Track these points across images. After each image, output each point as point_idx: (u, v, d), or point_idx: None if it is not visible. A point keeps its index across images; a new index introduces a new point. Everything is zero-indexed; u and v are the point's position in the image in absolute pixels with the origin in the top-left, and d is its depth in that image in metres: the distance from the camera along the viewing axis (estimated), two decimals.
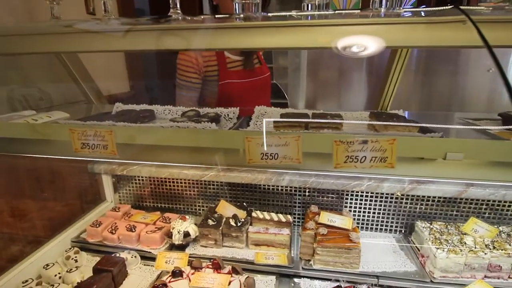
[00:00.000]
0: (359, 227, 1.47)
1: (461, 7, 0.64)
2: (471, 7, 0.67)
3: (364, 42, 0.79)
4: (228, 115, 0.95)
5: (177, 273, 1.12)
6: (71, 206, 1.61)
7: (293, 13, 0.96)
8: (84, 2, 1.80)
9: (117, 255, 1.28)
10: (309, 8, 0.91)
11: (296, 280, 1.21)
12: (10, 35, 1.00)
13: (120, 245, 1.37)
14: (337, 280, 1.13)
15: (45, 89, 1.32)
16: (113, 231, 1.39)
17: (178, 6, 1.02)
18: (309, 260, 1.25)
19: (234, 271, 1.13)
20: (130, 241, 1.37)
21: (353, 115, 0.89)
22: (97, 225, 1.43)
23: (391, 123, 0.72)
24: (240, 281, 1.08)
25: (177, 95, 1.51)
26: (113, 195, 1.72)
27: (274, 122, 0.76)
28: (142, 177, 1.65)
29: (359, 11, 0.93)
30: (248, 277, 1.09)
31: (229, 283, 1.08)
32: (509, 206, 1.32)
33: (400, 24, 0.78)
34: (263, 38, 0.88)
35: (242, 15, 0.93)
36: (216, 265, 1.16)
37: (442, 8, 0.71)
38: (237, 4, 0.94)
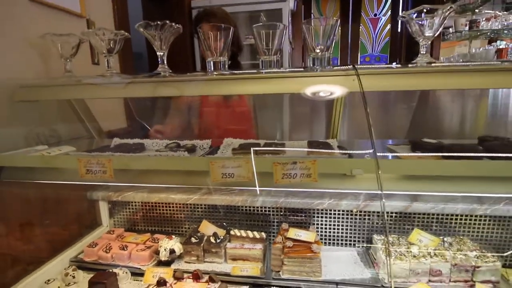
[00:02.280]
0: (326, 243, 1.66)
1: (356, 65, 0.93)
2: (362, 66, 0.96)
3: (311, 90, 1.07)
4: (202, 145, 1.21)
5: (161, 283, 1.30)
6: (71, 230, 1.79)
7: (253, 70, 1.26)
8: (90, 55, 2.15)
9: (110, 270, 1.45)
10: (263, 66, 1.21)
11: None
12: (33, 86, 1.28)
13: (113, 263, 1.54)
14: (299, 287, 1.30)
15: (55, 128, 1.58)
16: (107, 251, 1.57)
17: (165, 63, 1.32)
18: (279, 271, 1.43)
19: (211, 280, 1.31)
20: (122, 259, 1.54)
21: (294, 144, 1.15)
22: (93, 246, 1.61)
23: (313, 150, 0.97)
24: (215, 287, 1.25)
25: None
26: (108, 220, 1.91)
27: (233, 150, 1.01)
28: (135, 202, 1.85)
29: (302, 68, 1.22)
30: (221, 284, 1.27)
31: None
32: (451, 218, 1.52)
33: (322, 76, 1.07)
34: (228, 87, 1.17)
35: (215, 72, 1.23)
36: (196, 276, 1.33)
37: (342, 67, 1.00)
38: (208, 63, 1.24)
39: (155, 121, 1.73)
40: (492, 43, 4.71)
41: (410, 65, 1.08)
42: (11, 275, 1.41)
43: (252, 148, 0.96)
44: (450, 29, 4.59)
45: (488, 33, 4.38)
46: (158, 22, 1.26)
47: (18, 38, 1.55)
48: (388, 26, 5.86)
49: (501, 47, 4.46)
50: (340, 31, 6.14)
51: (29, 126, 1.54)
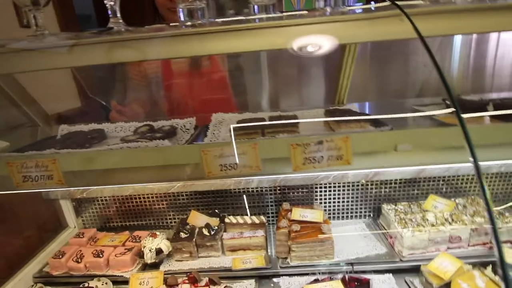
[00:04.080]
0: (331, 217, 1.52)
1: (397, 2, 0.67)
2: (408, 2, 0.70)
3: (314, 41, 0.80)
4: (184, 126, 0.92)
5: None
6: (29, 239, 1.47)
7: (242, 17, 0.94)
8: (16, 15, 1.65)
9: (86, 285, 1.20)
10: (256, 10, 0.90)
11: (275, 279, 1.22)
12: None
13: (88, 273, 1.29)
14: (314, 274, 1.15)
15: None
16: (79, 260, 1.30)
17: (118, 15, 0.95)
18: (286, 258, 1.27)
19: (212, 282, 1.11)
20: (99, 268, 1.29)
21: (309, 113, 0.90)
22: (60, 256, 1.33)
23: (344, 119, 0.73)
24: None
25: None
26: (75, 219, 1.61)
27: (234, 130, 0.75)
28: (105, 197, 1.55)
29: (306, 12, 0.93)
30: (226, 286, 1.08)
31: None
32: (462, 179, 1.42)
33: (344, 21, 0.79)
34: (216, 43, 0.86)
35: (189, 23, 0.90)
36: (192, 279, 1.13)
37: (379, 4, 0.73)
38: (181, 11, 0.90)
39: (114, 97, 1.36)
40: None
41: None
42: None
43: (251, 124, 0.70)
44: None
45: None
46: None
47: None
48: None
49: None
50: None
51: None
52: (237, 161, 0.67)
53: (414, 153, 0.79)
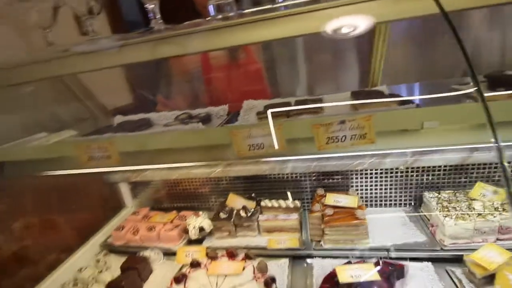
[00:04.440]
0: (369, 205, 1.49)
1: None
2: None
3: (341, 24, 0.81)
4: (218, 112, 1.00)
5: (195, 264, 1.21)
6: (96, 215, 1.73)
7: (270, 6, 0.98)
8: (78, 25, 1.89)
9: (141, 254, 1.38)
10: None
11: (308, 260, 1.26)
12: (12, 67, 1.09)
13: (143, 245, 1.48)
14: (346, 257, 1.17)
15: (54, 111, 1.42)
16: (135, 233, 1.50)
17: (158, 16, 1.06)
18: (320, 241, 1.30)
19: (247, 257, 1.20)
20: (151, 240, 1.47)
21: (335, 97, 0.91)
22: (121, 229, 1.54)
23: (365, 101, 0.74)
24: (253, 265, 1.15)
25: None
26: (132, 200, 1.83)
27: (257, 114, 0.80)
28: (156, 181, 1.74)
29: None
30: (260, 261, 1.16)
31: (243, 269, 1.14)
32: None
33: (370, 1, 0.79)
34: (248, 34, 0.91)
35: (219, 16, 0.97)
36: (230, 254, 1.23)
37: None
38: (212, 6, 0.97)
39: (160, 91, 1.51)
40: None
41: None
42: (43, 266, 1.37)
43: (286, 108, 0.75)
44: None
45: None
46: None
47: None
48: None
49: None
50: None
51: (25, 114, 1.39)
52: (264, 140, 0.73)
53: (456, 134, 0.76)
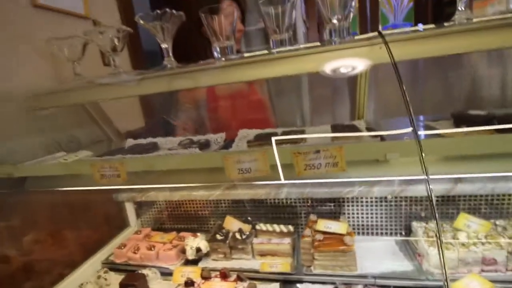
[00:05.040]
0: (360, 233, 1.54)
1: (382, 31, 0.79)
2: (388, 32, 0.81)
3: (322, 68, 0.95)
4: (216, 139, 1.13)
5: (189, 283, 1.26)
6: (102, 232, 1.82)
7: (264, 51, 1.14)
8: (101, 56, 2.13)
9: (139, 271, 1.45)
10: (274, 45, 1.08)
11: (298, 285, 1.30)
12: (42, 94, 1.26)
13: (143, 264, 1.54)
14: (333, 283, 1.21)
15: (73, 134, 1.58)
16: (136, 252, 1.58)
17: (171, 55, 1.24)
18: (310, 266, 1.34)
19: (239, 278, 1.25)
20: (150, 259, 1.54)
21: (316, 129, 1.03)
22: (122, 247, 1.62)
23: (338, 135, 0.85)
24: (243, 286, 1.20)
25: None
26: (135, 220, 1.92)
27: (247, 142, 0.92)
28: (159, 201, 1.84)
29: (319, 43, 1.08)
30: (250, 282, 1.21)
31: None
32: (502, 199, 1.34)
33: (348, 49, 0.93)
34: (237, 73, 1.07)
35: (223, 58, 1.13)
36: (223, 275, 1.28)
37: (365, 35, 0.85)
38: (215, 49, 1.14)
39: (168, 118, 1.67)
40: None
41: (446, 25, 0.91)
42: (48, 280, 1.45)
43: (272, 138, 0.86)
44: None
45: None
46: (158, 11, 1.18)
47: (26, 46, 1.54)
48: None
49: None
50: (358, 3, 5.70)
51: (48, 134, 1.55)
52: (251, 165, 0.84)
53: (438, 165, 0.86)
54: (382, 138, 0.81)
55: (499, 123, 0.80)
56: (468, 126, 0.85)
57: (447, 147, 0.77)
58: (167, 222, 1.88)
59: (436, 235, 1.11)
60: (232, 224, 1.57)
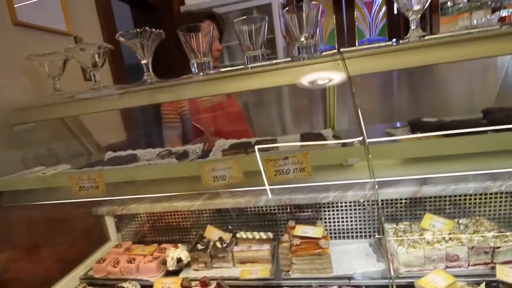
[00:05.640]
0: (337, 237, 1.61)
1: (342, 49, 0.88)
2: (348, 49, 0.91)
3: (301, 78, 1.03)
4: (194, 150, 1.18)
5: None
6: (80, 248, 1.79)
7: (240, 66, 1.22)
8: (82, 71, 2.16)
9: (119, 285, 1.44)
10: (248, 61, 1.16)
11: None
12: (25, 108, 1.28)
13: (123, 277, 1.53)
14: (310, 286, 1.26)
15: (52, 148, 1.58)
16: (116, 265, 1.56)
17: (150, 70, 1.30)
18: (288, 270, 1.38)
19: (219, 286, 1.28)
20: (131, 272, 1.53)
21: (286, 138, 1.10)
22: (102, 262, 1.60)
23: (305, 143, 0.92)
24: None
25: (164, 134, 1.79)
26: (116, 234, 1.90)
27: (222, 151, 0.98)
28: (140, 214, 1.84)
29: (289, 59, 1.17)
30: None
31: None
32: (464, 199, 1.45)
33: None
34: (213, 87, 1.13)
35: (201, 73, 1.20)
36: (203, 283, 1.30)
37: (328, 52, 0.95)
38: (193, 64, 1.21)
39: (148, 132, 1.71)
40: (495, 12, 4.50)
41: (401, 41, 1.02)
42: None
43: (245, 147, 0.92)
44: (448, 2, 4.43)
45: (489, 2, 4.21)
46: (137, 30, 1.24)
47: (7, 62, 1.55)
48: (384, 9, 5.70)
49: (504, 15, 4.27)
50: (334, 19, 6.00)
51: (27, 149, 1.55)
52: (225, 173, 0.89)
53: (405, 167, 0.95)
54: (343, 144, 0.89)
55: (447, 129, 0.90)
56: (421, 132, 0.95)
57: (398, 151, 0.86)
58: (149, 235, 1.88)
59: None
60: (213, 233, 1.60)
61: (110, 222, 1.89)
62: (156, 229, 1.85)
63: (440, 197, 1.46)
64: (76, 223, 1.80)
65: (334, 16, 5.89)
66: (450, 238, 1.27)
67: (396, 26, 5.68)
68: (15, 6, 1.65)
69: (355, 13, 5.86)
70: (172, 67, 2.13)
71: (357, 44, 5.98)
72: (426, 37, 0.95)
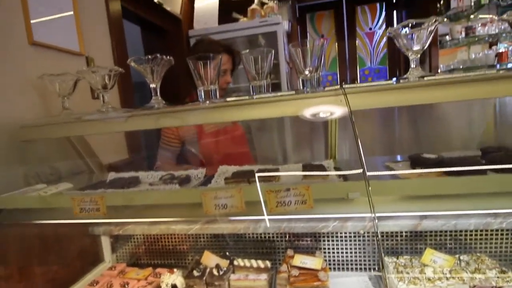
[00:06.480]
0: (336, 268, 1.57)
1: (344, 86, 0.92)
2: (351, 85, 0.95)
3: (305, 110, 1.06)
4: (197, 175, 1.19)
5: None
6: (73, 268, 1.75)
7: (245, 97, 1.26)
8: (90, 90, 2.21)
9: None
10: (254, 91, 1.20)
11: None
12: (33, 126, 1.30)
13: None
14: None
15: (55, 165, 1.59)
16: None
17: (158, 94, 1.33)
18: None
19: None
20: None
21: (288, 168, 1.12)
22: (94, 284, 1.56)
23: (309, 173, 0.94)
24: None
25: (159, 154, 1.82)
26: (110, 255, 1.87)
27: (225, 179, 0.99)
28: (136, 235, 1.82)
29: (294, 92, 1.21)
30: None
31: None
32: (465, 234, 1.44)
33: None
34: (220, 115, 1.16)
35: (207, 101, 1.23)
36: None
37: (331, 87, 0.99)
38: (200, 91, 1.25)
39: (150, 153, 1.73)
40: (493, 46, 4.66)
41: (401, 81, 1.06)
42: None
43: (247, 177, 0.93)
44: (447, 36, 4.60)
45: (486, 38, 4.38)
46: (149, 56, 1.29)
47: (20, 79, 1.60)
48: (384, 39, 5.91)
49: (500, 50, 4.42)
50: (337, 46, 6.21)
51: (29, 166, 1.56)
52: (227, 202, 0.90)
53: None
54: (345, 178, 0.90)
55: (447, 166, 0.92)
56: (421, 168, 0.96)
57: (398, 188, 0.87)
58: (144, 257, 1.84)
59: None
60: (210, 259, 1.57)
61: (105, 242, 1.86)
62: (152, 251, 1.81)
63: (441, 231, 1.45)
64: (71, 242, 1.77)
65: (336, 44, 6.10)
66: (451, 276, 1.25)
67: (396, 56, 5.87)
68: (32, 26, 1.72)
69: (356, 42, 6.07)
70: (179, 88, 2.19)
71: (358, 71, 6.16)
72: (425, 78, 0.99)
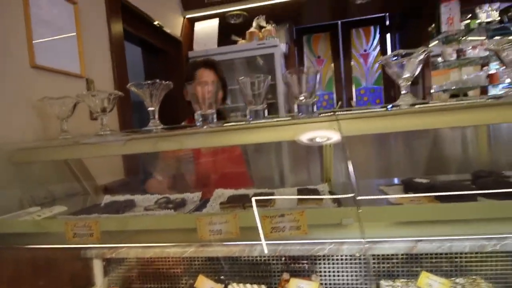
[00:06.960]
0: None
1: (337, 113, 0.95)
2: (343, 111, 0.98)
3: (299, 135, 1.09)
4: (193, 198, 1.19)
5: None
6: None
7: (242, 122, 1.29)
8: (89, 111, 2.24)
9: None
10: (251, 115, 1.23)
11: None
12: (30, 148, 1.31)
13: None
14: None
15: (50, 188, 1.59)
16: None
17: (156, 117, 1.36)
18: None
19: None
20: None
21: (284, 191, 1.13)
22: None
23: (301, 197, 0.95)
24: None
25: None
26: (102, 279, 1.82)
27: (220, 204, 0.99)
28: (129, 259, 1.78)
29: (289, 117, 1.24)
30: None
31: None
32: (460, 257, 1.43)
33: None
34: (217, 139, 1.19)
35: (205, 126, 1.26)
36: None
37: (325, 114, 1.02)
38: (198, 115, 1.27)
39: (147, 175, 1.73)
40: (484, 68, 4.81)
41: (393, 108, 1.10)
42: None
43: (243, 202, 0.94)
44: (439, 58, 4.76)
45: (477, 60, 4.53)
46: (149, 82, 1.32)
47: (20, 101, 1.63)
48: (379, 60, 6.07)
49: (491, 72, 4.55)
50: (333, 67, 6.37)
51: (24, 188, 1.55)
52: (222, 227, 0.90)
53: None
54: (339, 202, 0.91)
55: (437, 191, 0.93)
56: (413, 192, 0.98)
57: (396, 215, 0.88)
58: (137, 281, 1.79)
59: None
60: (204, 283, 1.54)
61: (97, 266, 1.82)
62: (145, 275, 1.77)
63: (436, 254, 1.44)
64: (62, 265, 1.73)
65: (332, 65, 6.27)
66: None
67: (391, 77, 6.02)
68: (34, 47, 1.76)
69: (352, 62, 6.25)
70: (178, 109, 2.22)
71: (354, 91, 6.29)
72: (416, 106, 1.03)
